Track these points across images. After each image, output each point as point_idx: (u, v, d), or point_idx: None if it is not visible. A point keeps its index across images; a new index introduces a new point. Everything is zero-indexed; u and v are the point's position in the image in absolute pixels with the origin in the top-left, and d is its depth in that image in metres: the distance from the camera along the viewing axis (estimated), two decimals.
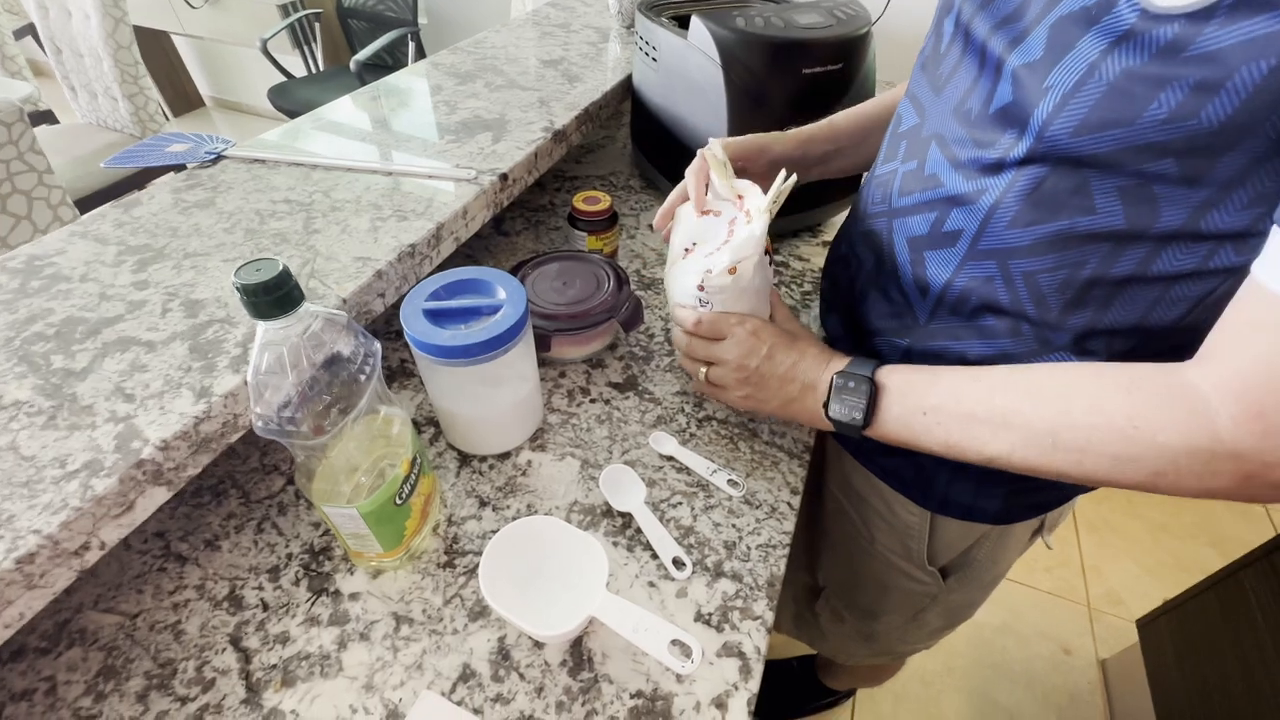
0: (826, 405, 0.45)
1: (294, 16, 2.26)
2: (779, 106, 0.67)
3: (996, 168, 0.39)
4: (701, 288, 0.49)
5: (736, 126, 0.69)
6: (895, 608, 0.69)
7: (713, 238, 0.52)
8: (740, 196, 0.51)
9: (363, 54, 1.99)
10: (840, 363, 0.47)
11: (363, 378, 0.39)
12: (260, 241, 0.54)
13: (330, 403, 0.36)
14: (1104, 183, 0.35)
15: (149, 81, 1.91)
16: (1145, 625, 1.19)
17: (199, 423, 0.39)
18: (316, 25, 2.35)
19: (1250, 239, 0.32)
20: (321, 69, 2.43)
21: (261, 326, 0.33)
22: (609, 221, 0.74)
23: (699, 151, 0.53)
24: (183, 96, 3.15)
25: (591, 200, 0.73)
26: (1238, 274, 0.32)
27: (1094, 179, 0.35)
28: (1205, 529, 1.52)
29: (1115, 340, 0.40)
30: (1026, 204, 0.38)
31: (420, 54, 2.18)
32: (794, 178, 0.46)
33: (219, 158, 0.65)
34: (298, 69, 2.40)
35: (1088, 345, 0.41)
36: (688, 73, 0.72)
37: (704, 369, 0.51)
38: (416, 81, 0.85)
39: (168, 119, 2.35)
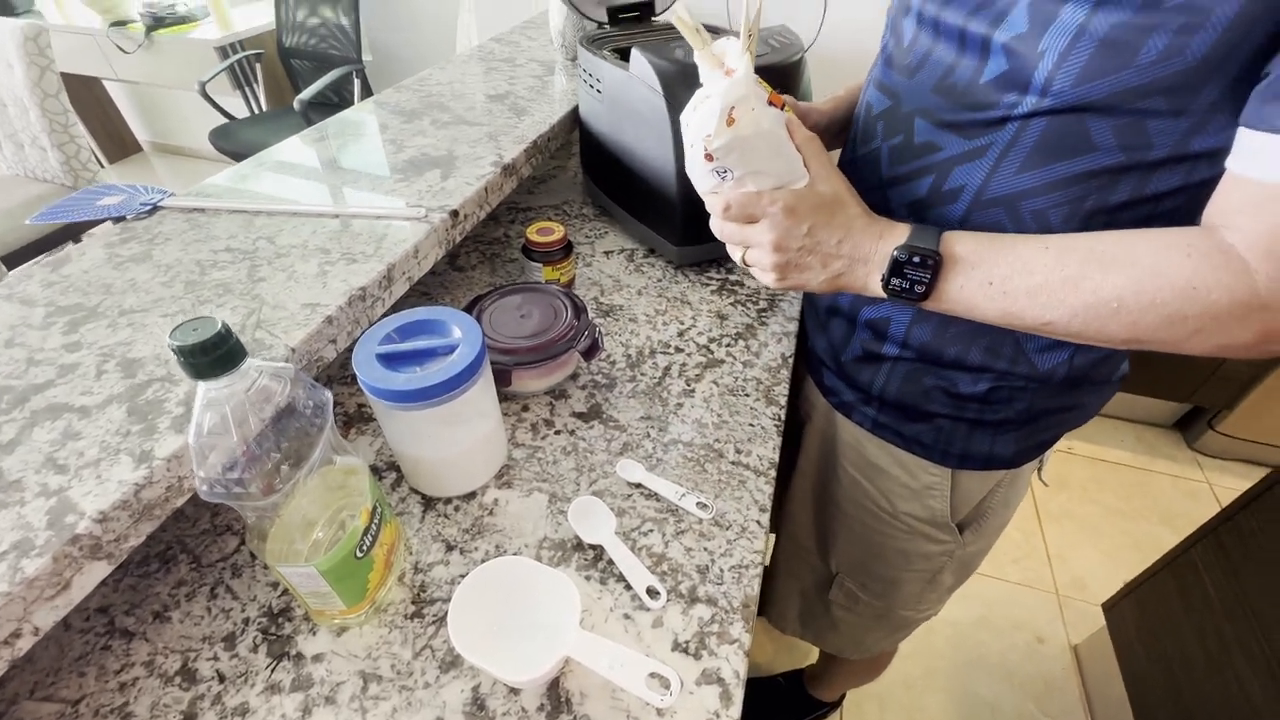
0: (885, 279, 0.43)
1: (233, 58, 2.22)
2: None
3: (1000, 122, 0.42)
4: (710, 156, 0.42)
5: (681, 152, 0.70)
6: (914, 574, 0.71)
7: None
8: (722, 61, 0.43)
9: (307, 93, 1.97)
10: (895, 233, 0.43)
11: (314, 430, 0.37)
12: (201, 293, 0.53)
13: (280, 459, 0.35)
14: (1102, 124, 0.39)
15: (81, 129, 1.85)
16: (1110, 609, 1.23)
17: (140, 489, 0.37)
18: (257, 66, 2.32)
19: (1222, 153, 0.36)
20: (264, 109, 2.39)
21: (202, 387, 0.31)
22: (564, 251, 0.74)
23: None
24: (118, 142, 3.05)
25: (545, 231, 0.74)
26: (1211, 183, 0.37)
27: (1092, 121, 0.39)
28: (1156, 509, 1.59)
29: None
30: (1032, 151, 0.42)
31: (366, 91, 2.17)
32: (758, 6, 0.42)
33: (155, 209, 0.63)
34: (239, 110, 2.35)
35: None
36: (632, 103, 0.73)
37: (740, 251, 0.48)
38: (361, 121, 0.85)
39: (102, 166, 2.27)
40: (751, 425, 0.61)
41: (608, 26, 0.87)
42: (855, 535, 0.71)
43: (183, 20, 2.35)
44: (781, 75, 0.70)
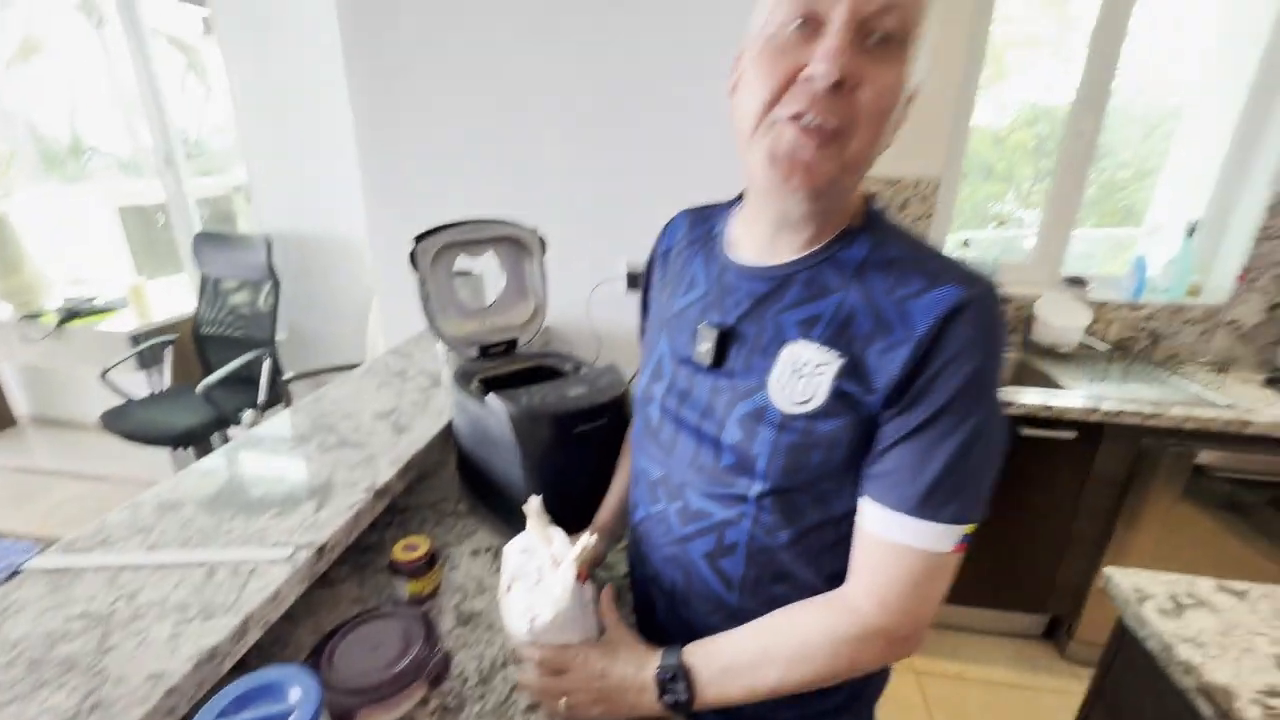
0: (661, 699, 0.59)
1: (144, 345, 2.35)
2: (560, 457, 0.86)
3: (743, 498, 0.59)
4: (530, 631, 0.62)
5: (531, 472, 0.85)
6: None
7: (527, 575, 0.65)
8: (550, 541, 0.66)
9: (213, 378, 2.08)
10: (653, 659, 0.61)
11: None
12: (44, 673, 0.55)
13: None
14: (803, 497, 0.57)
15: None
16: None
17: None
18: (169, 349, 2.45)
19: None
20: (167, 388, 2.46)
21: None
22: (428, 565, 0.82)
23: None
24: None
25: (410, 548, 0.82)
26: None
27: (799, 497, 0.57)
28: None
29: (843, 574, 0.58)
30: (770, 518, 0.58)
31: (276, 369, 2.32)
32: (595, 538, 0.64)
33: (17, 572, 0.67)
34: (140, 388, 2.40)
35: (835, 581, 0.59)
36: (490, 430, 0.90)
37: (563, 700, 0.62)
38: (249, 451, 0.95)
39: None
40: None
41: (479, 359, 1.08)
42: None
43: (100, 311, 2.50)
44: (607, 408, 0.89)
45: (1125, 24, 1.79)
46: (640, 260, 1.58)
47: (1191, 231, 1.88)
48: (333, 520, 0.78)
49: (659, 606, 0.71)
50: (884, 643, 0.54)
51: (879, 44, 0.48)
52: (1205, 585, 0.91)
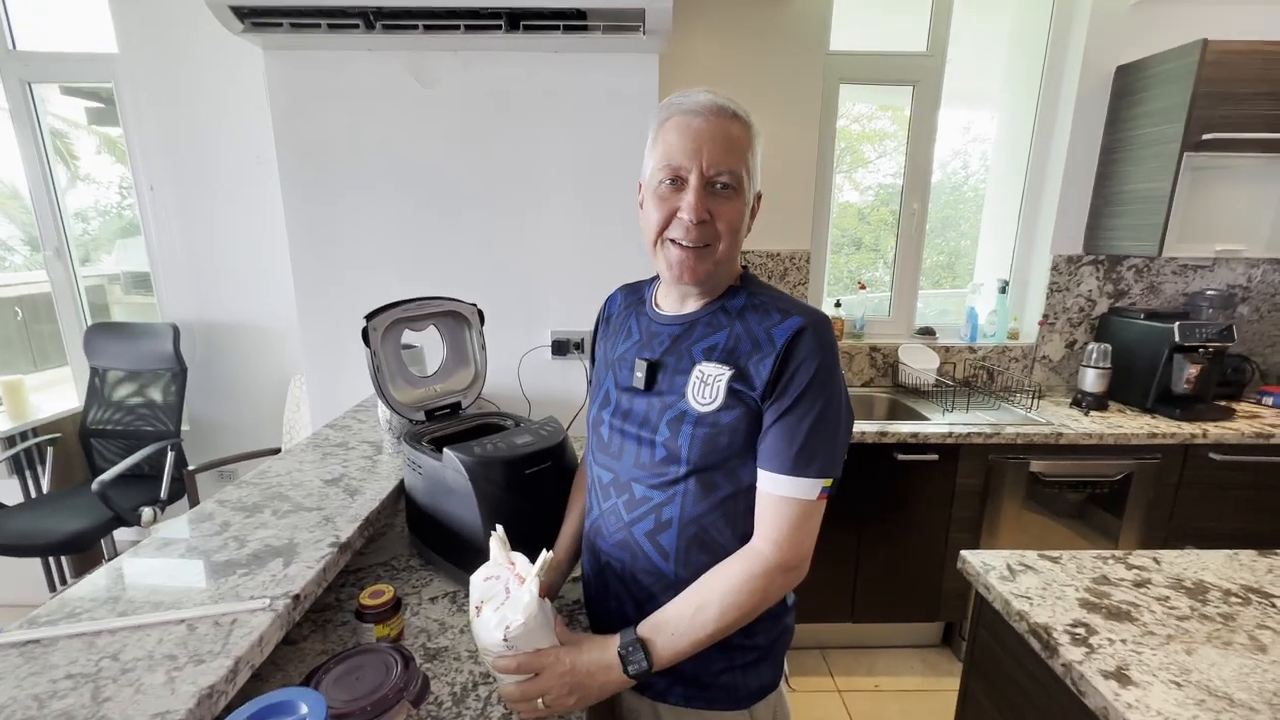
0: (625, 672, 0.72)
1: (20, 446, 2.16)
2: (512, 496, 0.97)
3: (674, 481, 0.76)
4: (506, 639, 0.71)
5: (488, 514, 0.96)
6: None
7: (495, 595, 0.75)
8: (513, 564, 0.77)
9: (110, 473, 1.95)
10: (613, 641, 0.74)
11: None
12: None
13: None
14: (717, 474, 0.75)
15: None
16: None
17: None
18: (50, 449, 2.26)
19: None
20: (46, 492, 2.24)
21: None
22: (393, 609, 0.89)
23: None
24: None
25: (376, 594, 0.89)
26: None
27: (714, 474, 0.75)
28: None
29: (750, 535, 0.76)
30: (694, 494, 0.76)
31: (181, 461, 2.21)
32: (551, 554, 0.75)
33: None
34: (13, 494, 2.18)
35: (746, 541, 0.76)
36: (446, 482, 1.00)
37: (540, 700, 0.71)
38: (203, 523, 0.98)
39: None
40: None
41: (425, 422, 1.18)
42: None
43: None
44: (551, 452, 1.03)
45: (934, 125, 2.30)
46: (563, 330, 1.77)
47: (1003, 288, 2.36)
48: (303, 573, 0.84)
49: (611, 589, 0.84)
50: (780, 572, 0.72)
51: (721, 189, 0.75)
52: (1031, 555, 1.16)
